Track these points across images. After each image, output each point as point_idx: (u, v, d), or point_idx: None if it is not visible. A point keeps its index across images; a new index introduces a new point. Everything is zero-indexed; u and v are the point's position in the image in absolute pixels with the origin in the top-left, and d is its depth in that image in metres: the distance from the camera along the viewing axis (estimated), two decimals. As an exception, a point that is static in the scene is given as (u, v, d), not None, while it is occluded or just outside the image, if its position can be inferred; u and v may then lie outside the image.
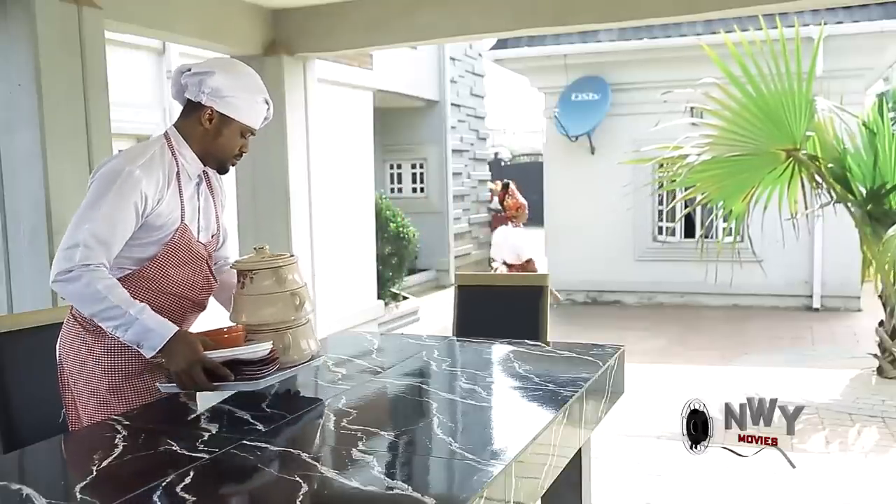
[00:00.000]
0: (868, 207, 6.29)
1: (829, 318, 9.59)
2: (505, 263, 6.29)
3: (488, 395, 2.35)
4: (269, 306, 2.24)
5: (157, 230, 2.22)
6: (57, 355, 2.28)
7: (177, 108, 2.40)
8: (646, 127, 7.63)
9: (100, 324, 2.13)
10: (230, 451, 1.81)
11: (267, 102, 2.35)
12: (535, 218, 15.21)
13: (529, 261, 6.22)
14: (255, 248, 2.34)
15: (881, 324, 6.51)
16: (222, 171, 2.40)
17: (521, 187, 15.90)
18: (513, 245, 6.27)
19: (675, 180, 6.71)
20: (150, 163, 2.20)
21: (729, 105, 6.22)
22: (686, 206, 8.64)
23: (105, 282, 2.09)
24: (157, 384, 2.20)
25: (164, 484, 1.60)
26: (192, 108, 2.29)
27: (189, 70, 2.26)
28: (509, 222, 6.38)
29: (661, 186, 9.24)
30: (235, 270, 2.31)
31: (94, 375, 2.22)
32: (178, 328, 2.14)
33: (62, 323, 2.31)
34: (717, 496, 3.95)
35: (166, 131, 2.33)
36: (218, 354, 2.11)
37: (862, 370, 6.59)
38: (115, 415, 2.15)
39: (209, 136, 2.28)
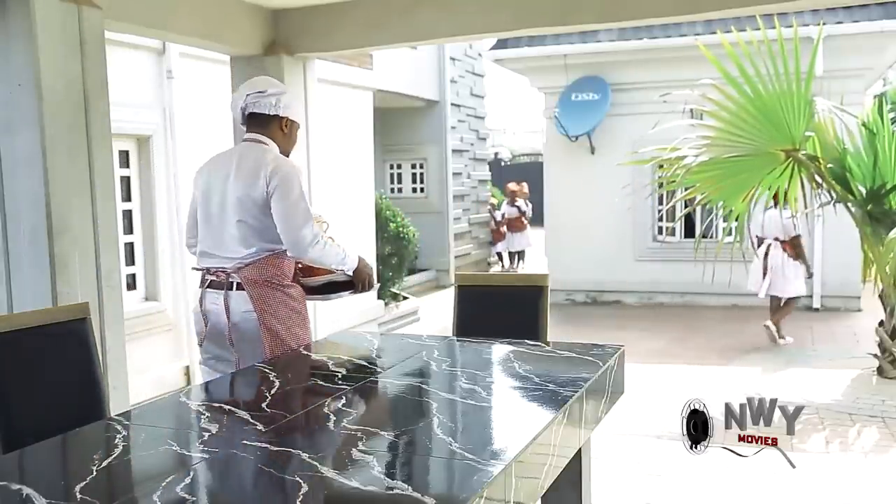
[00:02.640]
0: (868, 207, 6.29)
1: (829, 318, 9.58)
2: (777, 239, 7.39)
3: (488, 395, 2.35)
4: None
5: None
6: (253, 309, 2.95)
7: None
8: (646, 127, 7.62)
9: (333, 264, 3.06)
10: (230, 451, 1.81)
11: None
12: (536, 218, 15.25)
13: (798, 236, 7.27)
14: None
15: (881, 324, 6.51)
16: None
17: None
18: (785, 224, 7.31)
19: (674, 181, 6.71)
20: None
21: (727, 106, 6.21)
22: (686, 206, 8.64)
23: (328, 239, 3.02)
24: (327, 296, 3.22)
25: (164, 484, 1.60)
26: (268, 120, 3.10)
27: (263, 91, 3.07)
28: (776, 206, 7.29)
29: (661, 187, 9.23)
30: None
31: (289, 318, 3.01)
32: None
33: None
34: (717, 496, 3.95)
35: (256, 139, 3.08)
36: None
37: (862, 370, 6.58)
38: (294, 346, 2.97)
39: (287, 138, 3.17)
